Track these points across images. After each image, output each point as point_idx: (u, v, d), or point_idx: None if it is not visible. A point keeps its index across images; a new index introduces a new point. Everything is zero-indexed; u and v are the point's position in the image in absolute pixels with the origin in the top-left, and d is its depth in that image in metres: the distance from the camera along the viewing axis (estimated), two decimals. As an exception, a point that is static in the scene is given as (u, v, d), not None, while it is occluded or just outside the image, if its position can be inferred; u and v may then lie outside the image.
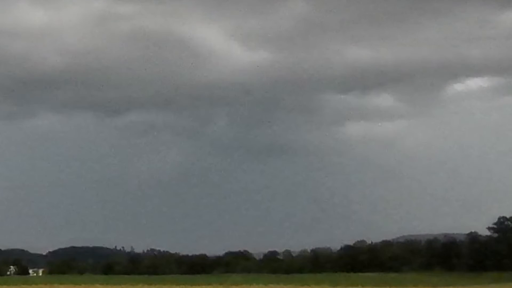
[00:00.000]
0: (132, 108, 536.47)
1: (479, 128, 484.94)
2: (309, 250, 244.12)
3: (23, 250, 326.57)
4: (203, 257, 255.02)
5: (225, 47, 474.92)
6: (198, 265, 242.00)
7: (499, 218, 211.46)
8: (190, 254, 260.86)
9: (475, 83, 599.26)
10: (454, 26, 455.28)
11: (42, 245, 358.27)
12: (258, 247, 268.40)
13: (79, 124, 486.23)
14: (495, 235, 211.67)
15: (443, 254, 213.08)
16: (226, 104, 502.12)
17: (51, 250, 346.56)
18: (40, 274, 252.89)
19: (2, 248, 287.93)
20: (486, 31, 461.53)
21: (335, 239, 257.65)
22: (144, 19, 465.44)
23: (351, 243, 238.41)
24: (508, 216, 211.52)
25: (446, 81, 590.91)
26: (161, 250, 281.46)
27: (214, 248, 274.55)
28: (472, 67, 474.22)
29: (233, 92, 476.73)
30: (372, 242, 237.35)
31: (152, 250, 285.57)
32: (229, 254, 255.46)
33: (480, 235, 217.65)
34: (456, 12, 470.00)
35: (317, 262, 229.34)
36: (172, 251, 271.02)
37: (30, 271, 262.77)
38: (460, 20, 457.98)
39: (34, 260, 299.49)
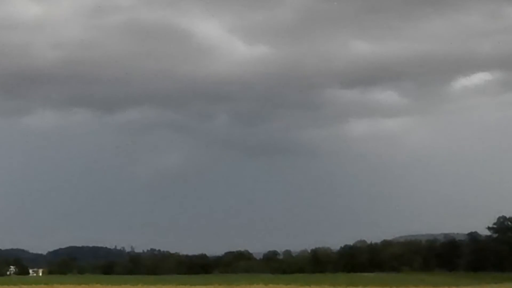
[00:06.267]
0: (130, 104, 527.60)
1: (483, 125, 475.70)
2: (309, 250, 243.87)
3: (23, 250, 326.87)
4: (203, 257, 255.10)
5: (225, 41, 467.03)
6: (198, 265, 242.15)
7: (499, 218, 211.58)
8: (190, 254, 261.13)
9: (481, 78, 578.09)
10: (461, 19, 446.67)
11: (42, 245, 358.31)
12: (258, 247, 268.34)
13: (76, 122, 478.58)
14: (495, 235, 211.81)
15: (443, 254, 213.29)
16: (226, 100, 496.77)
17: (51, 250, 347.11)
18: (40, 274, 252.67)
19: (2, 248, 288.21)
20: (495, 24, 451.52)
21: (335, 239, 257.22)
22: (142, 12, 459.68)
23: (351, 243, 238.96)
24: (508, 216, 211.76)
25: (452, 77, 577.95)
26: (161, 250, 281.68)
27: (214, 248, 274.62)
28: (480, 62, 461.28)
29: (233, 88, 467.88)
30: (372, 242, 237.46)
31: (152, 250, 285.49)
32: (229, 254, 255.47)
33: (480, 235, 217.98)
34: (464, 5, 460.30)
35: (317, 262, 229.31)
36: (172, 251, 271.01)
37: (30, 271, 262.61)
38: (468, 13, 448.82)
39: (34, 260, 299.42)
